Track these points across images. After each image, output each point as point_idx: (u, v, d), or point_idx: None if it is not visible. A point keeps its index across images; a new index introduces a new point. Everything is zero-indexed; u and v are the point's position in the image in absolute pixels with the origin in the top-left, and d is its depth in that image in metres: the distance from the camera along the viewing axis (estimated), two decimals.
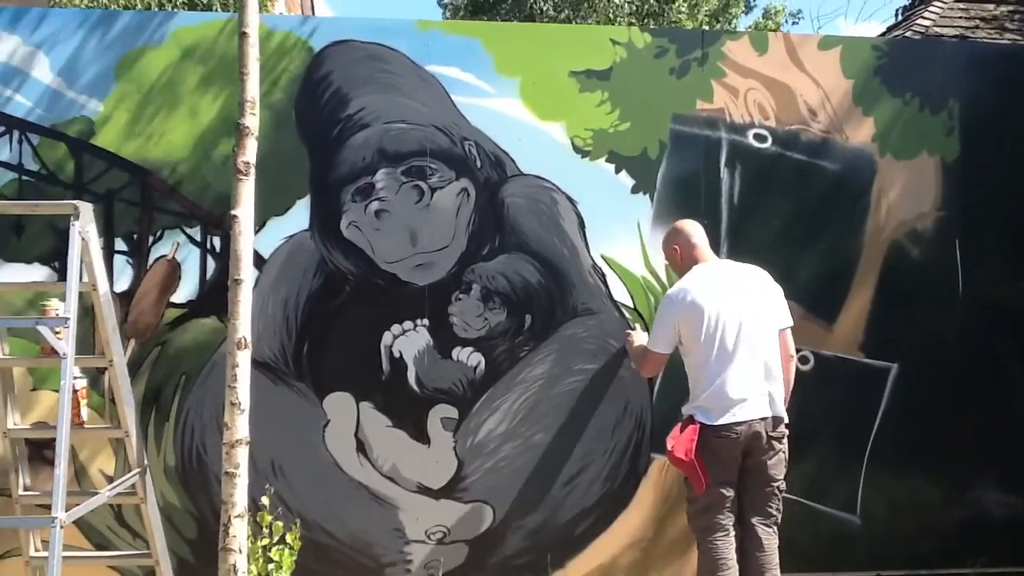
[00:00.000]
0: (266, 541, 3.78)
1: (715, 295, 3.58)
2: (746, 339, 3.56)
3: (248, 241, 3.32)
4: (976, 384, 4.46)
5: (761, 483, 3.60)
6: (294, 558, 3.81)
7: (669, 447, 3.55)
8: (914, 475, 4.43)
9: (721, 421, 3.50)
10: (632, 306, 4.33)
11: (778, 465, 3.61)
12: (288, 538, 3.83)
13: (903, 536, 4.39)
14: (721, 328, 3.55)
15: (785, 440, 3.64)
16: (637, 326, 4.22)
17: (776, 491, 3.62)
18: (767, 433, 3.55)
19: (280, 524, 3.84)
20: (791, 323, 3.76)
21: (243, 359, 3.29)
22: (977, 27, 7.12)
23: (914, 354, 4.44)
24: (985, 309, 4.49)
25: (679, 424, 3.61)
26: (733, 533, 3.59)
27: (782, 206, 4.41)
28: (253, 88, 3.35)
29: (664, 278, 4.31)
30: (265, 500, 3.86)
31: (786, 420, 3.65)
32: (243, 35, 3.35)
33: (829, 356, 4.36)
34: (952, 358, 4.46)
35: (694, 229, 3.84)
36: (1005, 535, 4.41)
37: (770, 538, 3.61)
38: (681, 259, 3.80)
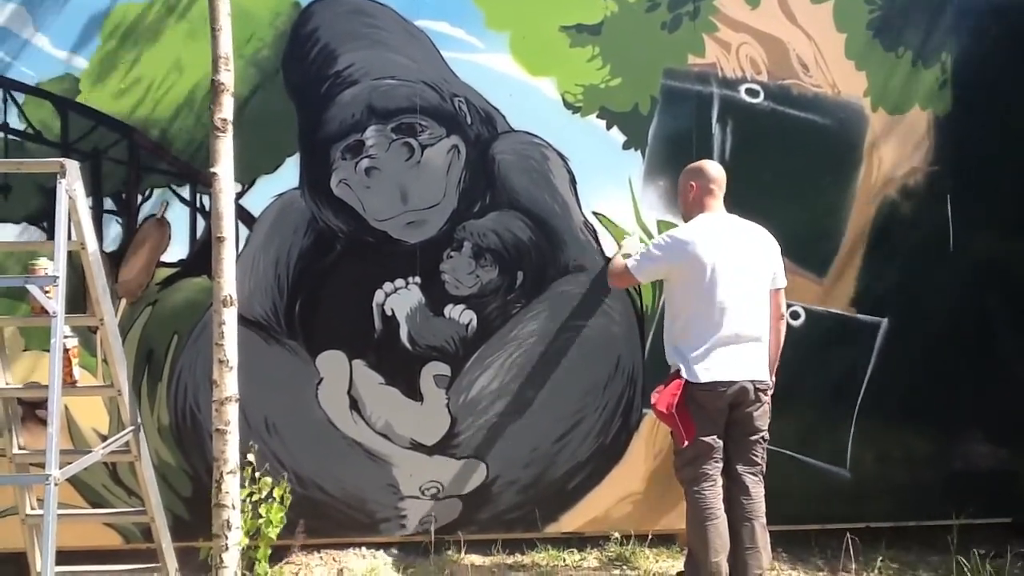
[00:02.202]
0: (256, 497, 3.80)
1: (717, 250, 3.58)
2: (740, 299, 3.57)
3: (229, 198, 3.32)
4: (965, 339, 4.49)
5: (746, 433, 3.64)
6: (283, 513, 3.83)
7: (653, 400, 3.58)
8: (903, 429, 4.48)
9: (707, 379, 3.53)
10: None
11: (763, 416, 3.65)
12: (276, 493, 3.86)
13: (892, 489, 4.45)
14: (716, 285, 3.55)
15: (769, 392, 3.67)
16: (632, 238, 4.27)
17: (761, 440, 3.67)
18: (753, 388, 3.58)
19: (268, 480, 3.86)
20: (785, 284, 3.76)
21: (229, 316, 3.30)
22: None
23: (904, 309, 4.46)
24: (975, 264, 4.50)
25: (667, 378, 3.64)
26: (720, 482, 3.63)
27: (774, 161, 4.39)
28: (226, 44, 3.33)
29: (655, 233, 4.30)
30: (251, 457, 3.88)
31: (771, 380, 3.67)
32: None
33: (819, 311, 4.37)
34: (942, 313, 4.48)
35: (717, 174, 3.78)
36: (991, 486, 4.47)
37: (756, 485, 3.66)
38: (692, 199, 3.78)
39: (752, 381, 3.57)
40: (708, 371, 3.53)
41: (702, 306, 3.57)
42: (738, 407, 3.59)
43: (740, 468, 3.65)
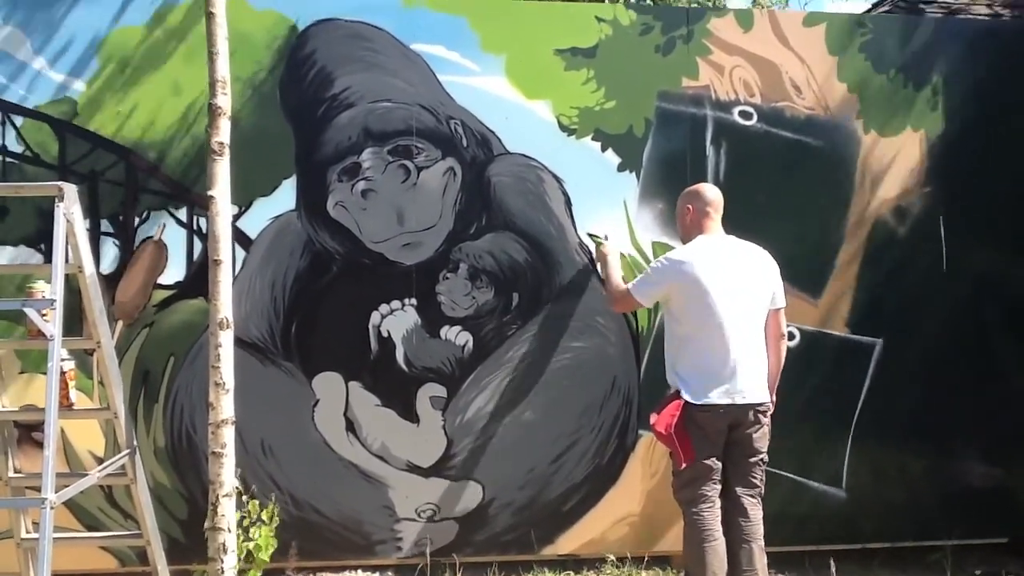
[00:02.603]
0: (247, 522, 3.79)
1: (715, 271, 3.59)
2: (738, 319, 3.57)
3: (226, 221, 3.33)
4: (960, 359, 4.51)
5: (745, 455, 3.64)
6: (272, 534, 3.80)
7: (652, 421, 3.58)
8: (899, 449, 4.48)
9: (706, 400, 3.53)
10: None
11: (762, 438, 3.65)
12: (264, 515, 3.83)
13: (887, 509, 4.45)
14: (714, 305, 3.56)
15: (769, 415, 3.68)
16: (610, 236, 4.29)
17: (760, 462, 3.66)
18: (753, 409, 3.58)
19: (257, 502, 3.85)
20: (784, 304, 3.78)
21: (226, 339, 3.30)
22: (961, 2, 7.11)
23: (899, 329, 4.48)
24: (969, 284, 4.53)
25: (666, 398, 3.64)
26: (719, 504, 3.63)
27: (768, 183, 4.42)
28: (223, 68, 3.35)
29: (651, 255, 4.33)
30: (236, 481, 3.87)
31: (771, 400, 3.68)
32: (210, 15, 3.36)
33: (814, 331, 4.39)
34: (936, 332, 4.50)
35: (714, 197, 3.80)
36: (987, 507, 4.47)
37: (754, 508, 3.66)
38: (690, 221, 3.79)
39: (751, 403, 3.58)
40: (707, 392, 3.53)
41: (700, 327, 3.58)
42: (737, 428, 3.59)
43: (739, 490, 3.65)
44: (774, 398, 3.73)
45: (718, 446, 3.60)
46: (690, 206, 3.81)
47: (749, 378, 3.58)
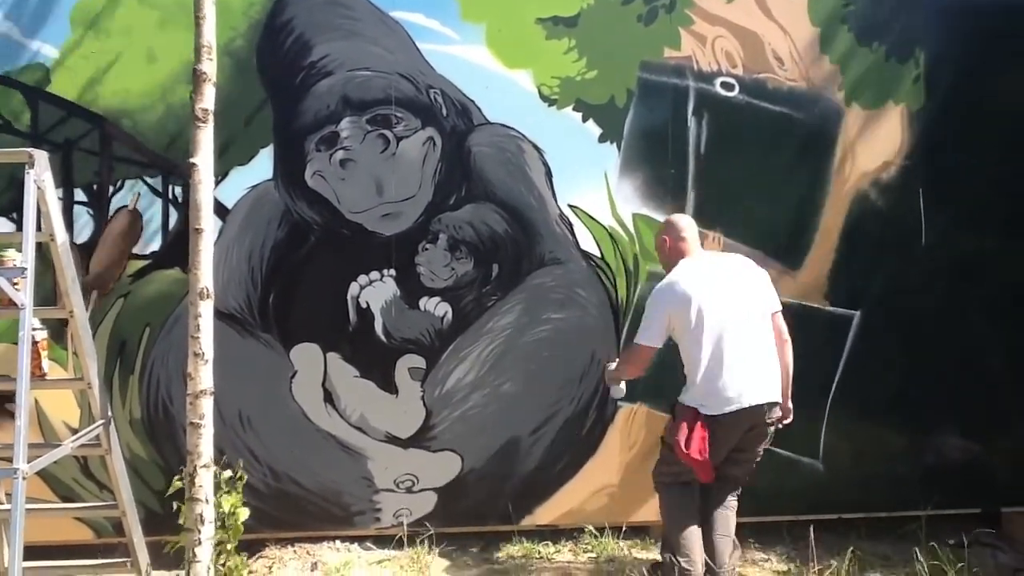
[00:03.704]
0: (219, 493, 3.75)
1: (703, 287, 3.59)
2: (737, 329, 3.57)
3: (208, 189, 3.28)
4: (937, 331, 4.52)
5: (744, 458, 3.69)
6: (240, 497, 3.74)
7: (680, 444, 3.52)
8: (876, 421, 4.51)
9: (723, 411, 3.53)
10: (599, 255, 4.33)
11: (765, 443, 3.70)
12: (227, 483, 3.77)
13: (864, 481, 4.48)
14: (711, 320, 3.55)
15: (778, 417, 3.68)
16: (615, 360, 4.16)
17: (753, 463, 3.74)
18: (764, 416, 3.58)
19: (227, 472, 3.79)
20: (779, 307, 3.77)
21: (205, 309, 3.26)
22: None
23: (877, 302, 4.49)
24: (947, 258, 4.54)
25: (680, 414, 3.61)
26: (697, 491, 3.68)
27: (749, 154, 4.40)
28: (209, 33, 3.29)
29: (631, 227, 4.32)
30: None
31: (780, 403, 3.66)
32: None
33: (793, 304, 4.39)
34: (914, 306, 4.51)
35: (685, 224, 3.83)
36: (960, 479, 4.52)
37: (732, 502, 3.75)
38: (669, 250, 3.80)
39: (765, 403, 3.57)
40: (722, 404, 3.52)
41: (702, 344, 3.56)
42: (750, 430, 3.61)
43: (723, 486, 3.72)
44: (789, 404, 3.73)
45: (720, 453, 3.62)
46: (666, 237, 3.83)
47: (758, 379, 3.56)
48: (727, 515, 3.71)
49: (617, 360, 3.96)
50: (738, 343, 3.56)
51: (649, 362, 3.74)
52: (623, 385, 3.97)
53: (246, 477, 3.82)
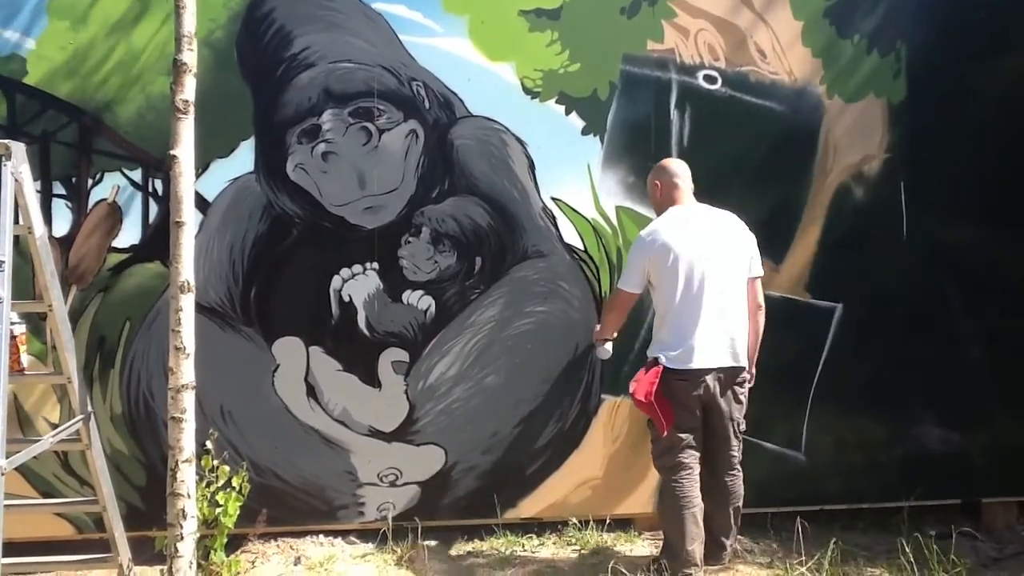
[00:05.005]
0: (213, 487, 3.76)
1: (685, 238, 3.60)
2: (712, 285, 3.59)
3: (189, 182, 3.26)
4: (918, 323, 4.55)
5: (722, 424, 3.70)
6: (240, 503, 3.79)
7: (632, 389, 3.58)
8: (858, 413, 4.53)
9: (683, 366, 3.55)
10: (582, 248, 4.33)
11: (740, 407, 3.71)
12: (235, 482, 3.82)
13: (846, 472, 4.51)
14: (687, 272, 3.57)
15: (746, 384, 3.71)
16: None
17: (736, 428, 3.73)
18: (729, 379, 3.60)
19: (227, 468, 3.83)
20: (762, 273, 3.79)
21: (187, 303, 3.24)
22: None
23: (858, 294, 4.51)
24: (928, 250, 4.56)
25: (645, 365, 3.65)
26: (697, 470, 3.67)
27: (731, 147, 4.41)
28: (190, 23, 3.26)
29: (614, 220, 4.32)
30: (209, 444, 3.84)
31: (747, 367, 3.70)
32: None
33: (775, 296, 4.41)
34: (895, 298, 4.53)
35: (679, 169, 3.83)
36: (942, 470, 4.55)
37: (733, 478, 3.77)
38: (660, 196, 3.81)
39: (726, 368, 3.60)
40: (683, 358, 3.56)
41: (675, 293, 3.60)
42: (713, 397, 3.62)
43: (718, 458, 3.73)
44: (753, 369, 3.76)
45: (693, 414, 3.63)
46: (657, 182, 3.83)
47: (726, 343, 3.59)
48: (727, 496, 3.76)
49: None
50: (711, 301, 3.59)
51: (629, 307, 3.85)
52: (608, 346, 3.99)
53: (246, 477, 3.84)
